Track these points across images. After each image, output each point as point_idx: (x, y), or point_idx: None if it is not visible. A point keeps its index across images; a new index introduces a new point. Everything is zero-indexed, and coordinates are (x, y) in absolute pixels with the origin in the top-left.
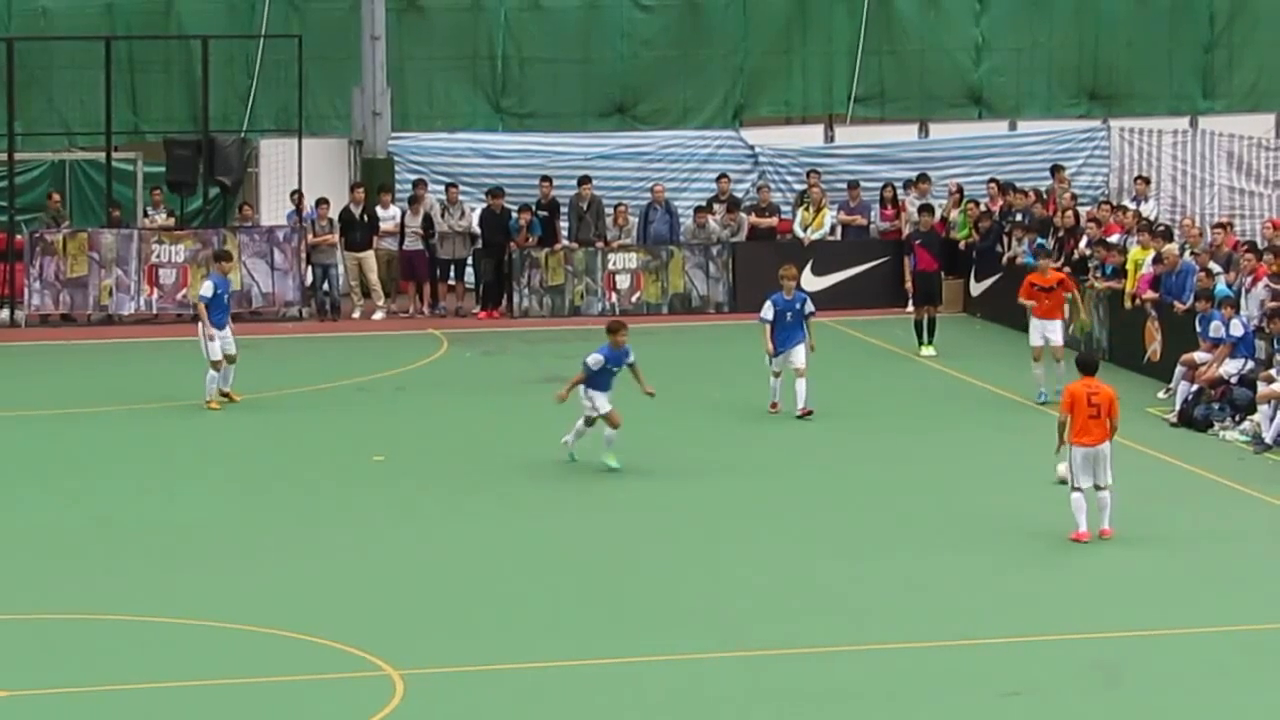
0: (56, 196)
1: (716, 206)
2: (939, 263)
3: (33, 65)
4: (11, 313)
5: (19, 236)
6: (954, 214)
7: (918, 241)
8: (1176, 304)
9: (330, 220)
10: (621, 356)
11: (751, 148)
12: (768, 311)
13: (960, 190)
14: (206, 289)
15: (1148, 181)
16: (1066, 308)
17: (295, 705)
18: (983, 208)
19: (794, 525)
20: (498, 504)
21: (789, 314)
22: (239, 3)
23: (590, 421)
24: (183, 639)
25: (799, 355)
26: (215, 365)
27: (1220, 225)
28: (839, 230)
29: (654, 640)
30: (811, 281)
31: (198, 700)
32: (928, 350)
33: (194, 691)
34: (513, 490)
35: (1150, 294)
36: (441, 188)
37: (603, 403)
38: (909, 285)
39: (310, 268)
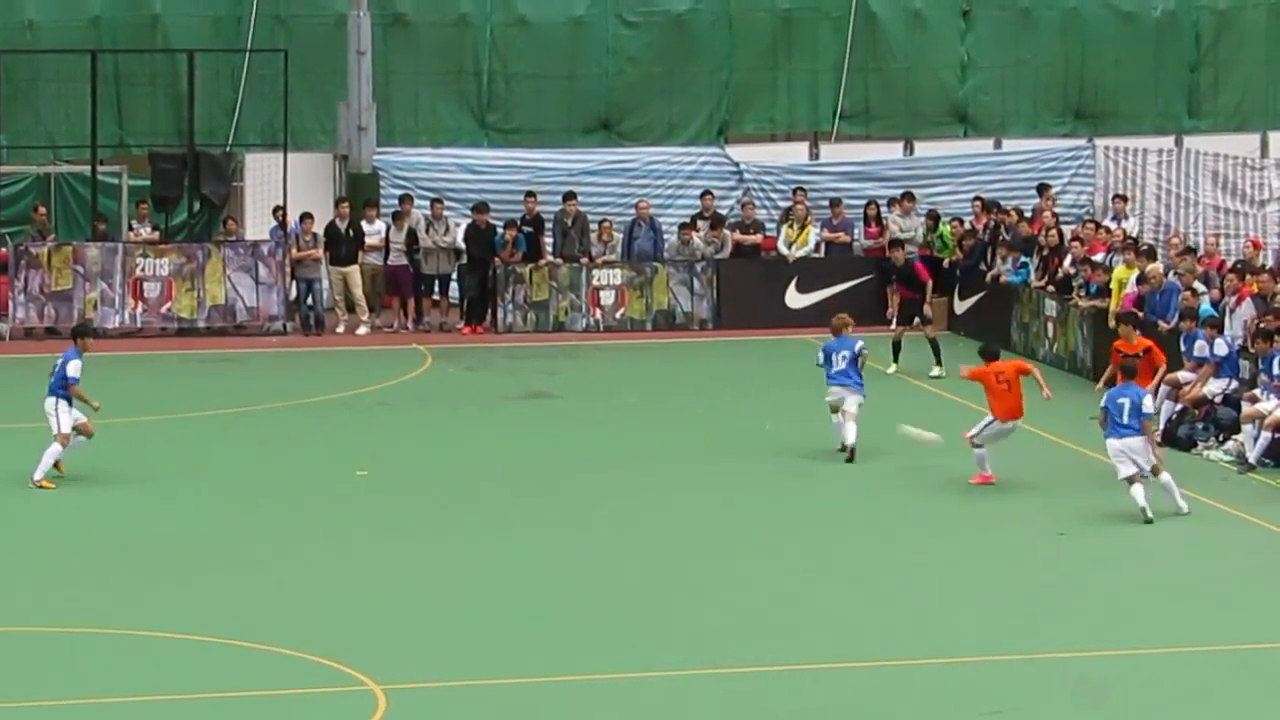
0: (42, 210)
1: (701, 223)
2: (918, 292)
3: (19, 78)
4: None
5: (3, 249)
6: (931, 237)
7: (894, 277)
8: (1161, 323)
9: (315, 235)
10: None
11: (736, 164)
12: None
13: (936, 216)
14: (75, 369)
15: (1126, 200)
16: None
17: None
18: (967, 225)
19: (777, 542)
20: (481, 519)
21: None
22: (225, 17)
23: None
24: (166, 653)
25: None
26: (65, 439)
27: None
28: (823, 247)
29: (638, 656)
30: (796, 299)
31: (181, 714)
32: (936, 371)
33: (177, 706)
34: (496, 505)
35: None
36: (427, 203)
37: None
38: (892, 310)
39: (294, 282)
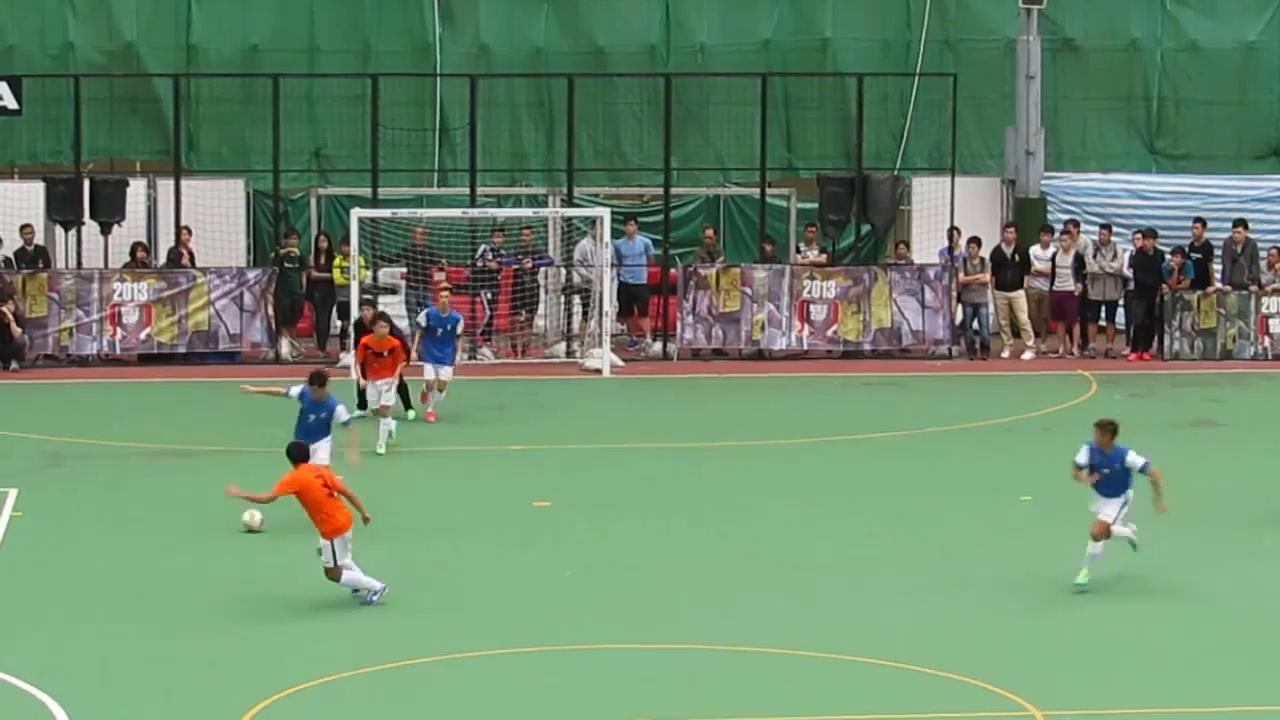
0: (711, 232)
1: None
2: None
3: (690, 101)
4: (664, 345)
5: (673, 270)
6: None
7: None
8: None
9: (981, 259)
10: None
11: None
12: None
13: None
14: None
15: None
16: None
17: None
18: None
19: None
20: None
21: None
22: (894, 41)
23: None
24: (820, 673)
25: None
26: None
27: None
28: None
29: None
30: None
31: None
32: None
33: None
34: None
35: None
36: (1094, 228)
37: None
38: None
39: (961, 306)
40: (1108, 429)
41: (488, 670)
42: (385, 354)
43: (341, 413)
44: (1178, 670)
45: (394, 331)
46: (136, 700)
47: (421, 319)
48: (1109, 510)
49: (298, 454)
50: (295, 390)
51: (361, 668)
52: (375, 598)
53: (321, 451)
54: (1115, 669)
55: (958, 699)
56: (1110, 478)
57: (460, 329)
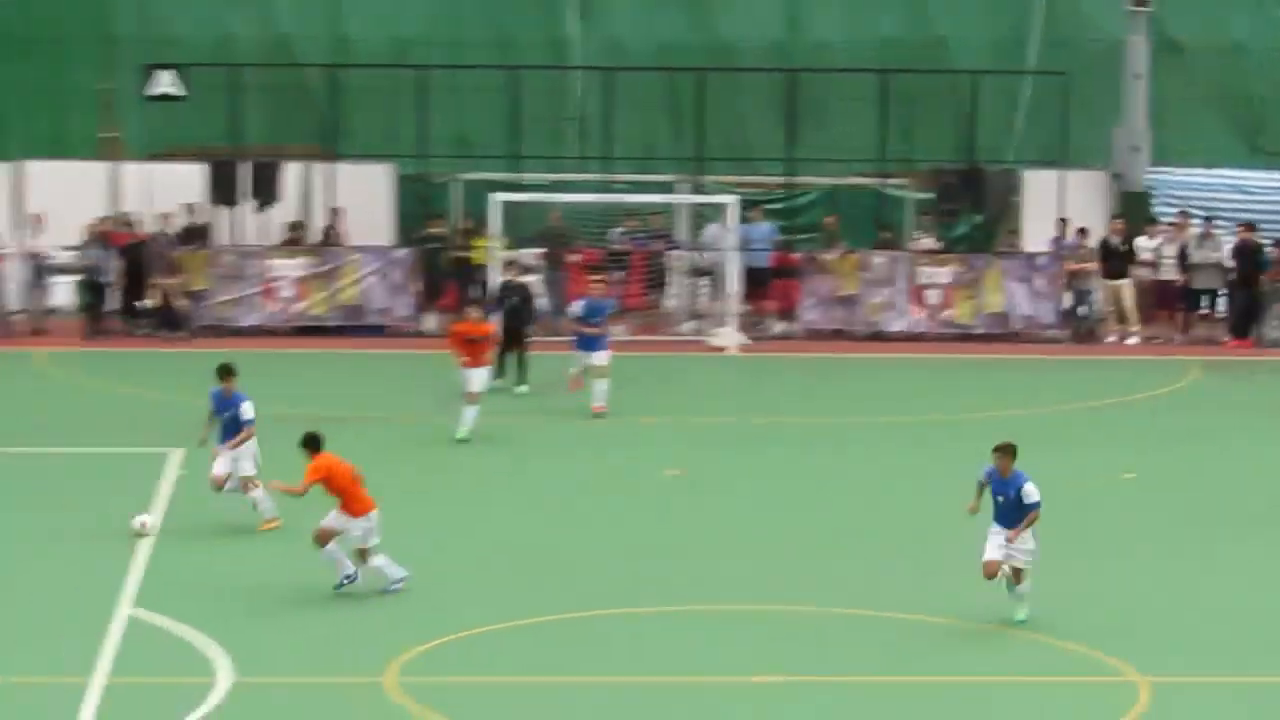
0: (832, 219)
1: None
2: None
3: (813, 96)
4: (787, 326)
5: (796, 255)
6: None
7: None
8: None
9: (1089, 248)
10: None
11: None
12: None
13: None
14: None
15: None
16: None
17: None
18: None
19: None
20: None
21: None
22: (1007, 39)
23: None
24: (933, 637)
25: None
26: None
27: None
28: None
29: None
30: None
31: None
32: None
33: None
34: None
35: None
36: (1198, 222)
37: None
38: None
39: (1069, 293)
40: (1006, 452)
41: (622, 626)
42: (478, 339)
43: (247, 409)
44: None
45: (484, 318)
46: (294, 645)
47: (577, 308)
48: (996, 543)
49: (315, 443)
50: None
51: (504, 622)
52: (397, 586)
53: (244, 461)
54: (1222, 637)
55: (1065, 665)
56: (1005, 506)
57: (611, 316)
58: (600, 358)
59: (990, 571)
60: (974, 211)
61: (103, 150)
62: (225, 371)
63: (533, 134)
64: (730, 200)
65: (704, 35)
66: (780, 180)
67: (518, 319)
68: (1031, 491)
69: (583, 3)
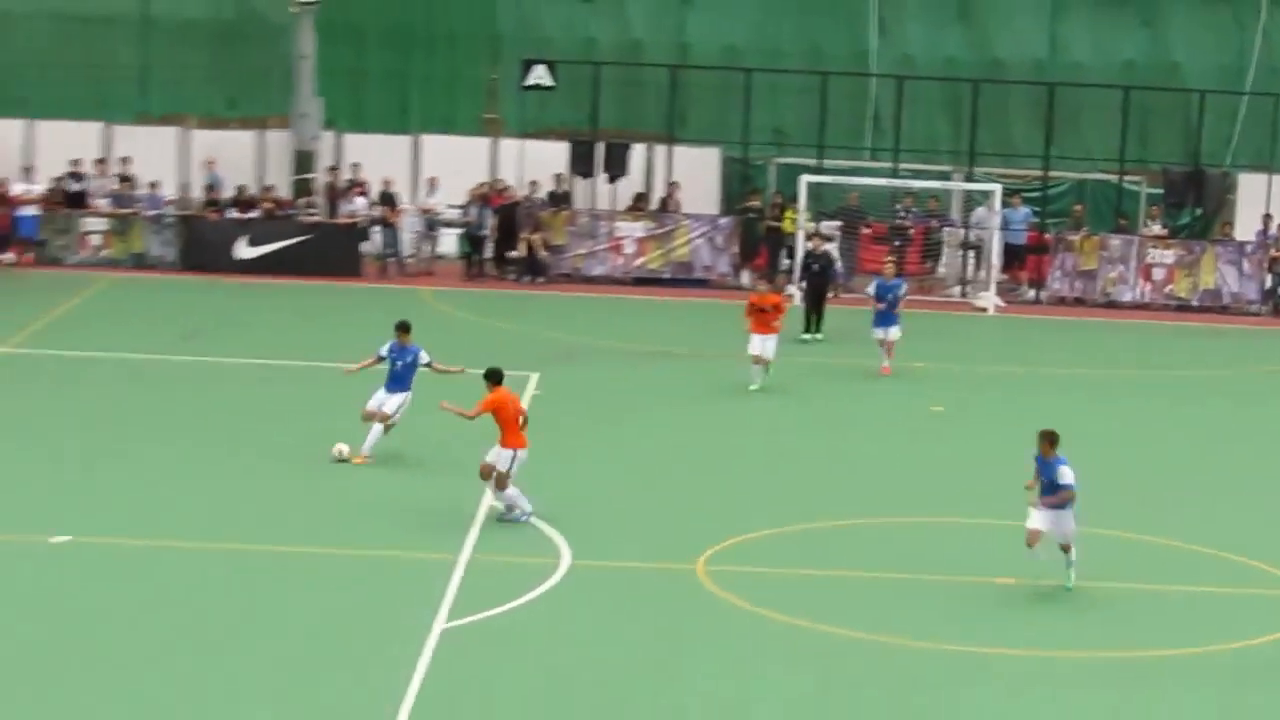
0: (1079, 207)
1: None
2: None
3: (1067, 105)
4: (1037, 293)
5: (1048, 235)
6: None
7: None
8: None
9: None
10: None
11: None
12: None
13: None
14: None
15: None
16: None
17: None
18: None
19: None
20: None
21: None
22: (1230, 65)
23: None
24: (1147, 553)
25: None
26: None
27: None
28: None
29: None
30: None
31: None
32: None
33: None
34: None
35: None
36: None
37: None
38: None
39: (1271, 275)
40: (1047, 438)
41: (882, 533)
42: (768, 309)
43: (424, 356)
44: None
45: (774, 289)
46: (621, 536)
47: (871, 288)
48: (1039, 515)
49: (495, 377)
50: (384, 349)
51: (786, 526)
52: (525, 517)
53: (392, 401)
54: None
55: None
56: (1048, 488)
57: (904, 295)
58: (893, 333)
59: (1031, 539)
60: (1195, 205)
61: (485, 128)
62: (403, 327)
63: (835, 128)
64: (995, 188)
65: (980, 52)
66: (1037, 173)
67: (819, 281)
68: (1065, 473)
69: (881, 22)
